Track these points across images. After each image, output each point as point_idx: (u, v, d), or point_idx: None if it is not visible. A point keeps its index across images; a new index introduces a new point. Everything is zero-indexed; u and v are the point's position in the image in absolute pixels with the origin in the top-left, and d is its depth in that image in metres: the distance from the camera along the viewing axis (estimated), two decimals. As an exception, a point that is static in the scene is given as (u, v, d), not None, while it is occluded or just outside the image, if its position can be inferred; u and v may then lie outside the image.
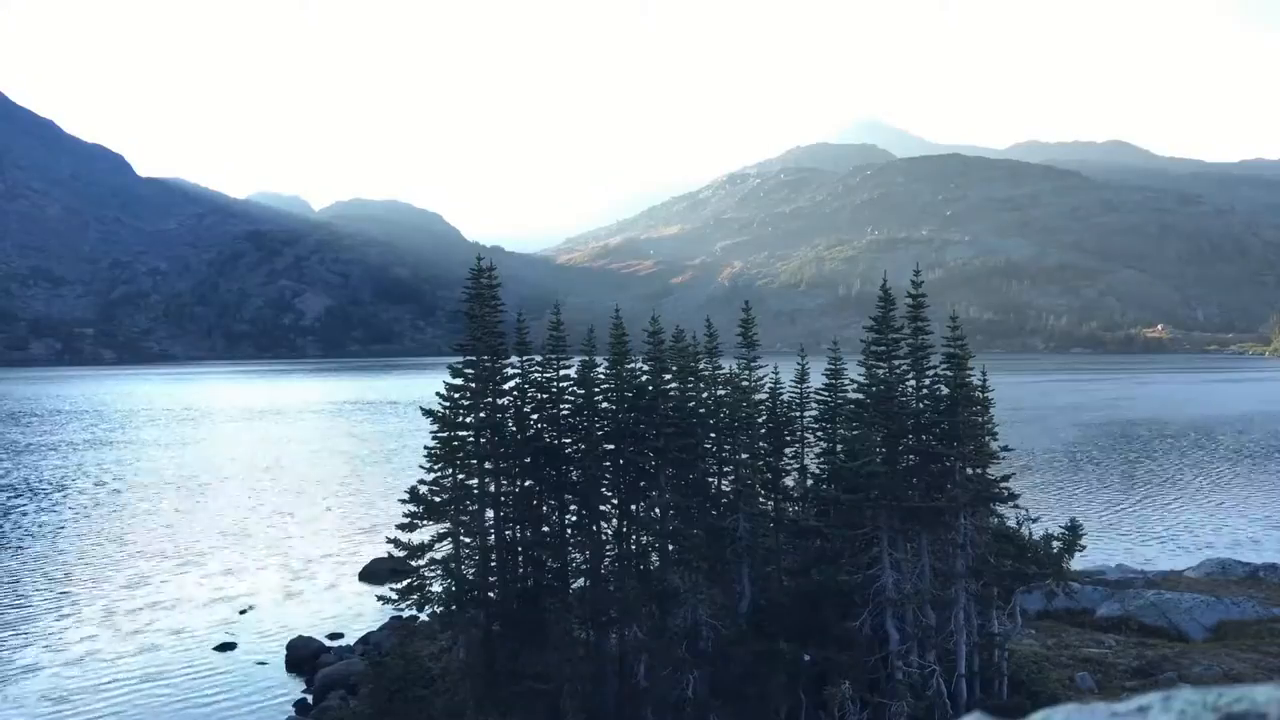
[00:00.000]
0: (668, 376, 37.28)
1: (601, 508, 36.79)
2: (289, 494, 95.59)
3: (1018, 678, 35.72)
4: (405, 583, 35.10)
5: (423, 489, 35.41)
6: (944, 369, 34.57)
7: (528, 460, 36.74)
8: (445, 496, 35.34)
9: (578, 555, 37.28)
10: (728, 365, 39.05)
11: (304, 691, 44.16)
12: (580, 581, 37.28)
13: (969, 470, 34.69)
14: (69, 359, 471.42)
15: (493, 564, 36.61)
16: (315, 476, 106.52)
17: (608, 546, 37.06)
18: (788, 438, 39.11)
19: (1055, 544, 37.58)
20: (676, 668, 34.19)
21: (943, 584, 34.18)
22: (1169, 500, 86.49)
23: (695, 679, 33.82)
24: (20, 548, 72.48)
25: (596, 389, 37.17)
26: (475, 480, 36.13)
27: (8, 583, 62.50)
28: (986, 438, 35.05)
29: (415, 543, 34.92)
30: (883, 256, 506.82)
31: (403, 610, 42.75)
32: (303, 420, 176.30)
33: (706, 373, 38.37)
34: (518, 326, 39.03)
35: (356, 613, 55.43)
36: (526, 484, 37.35)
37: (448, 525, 35.36)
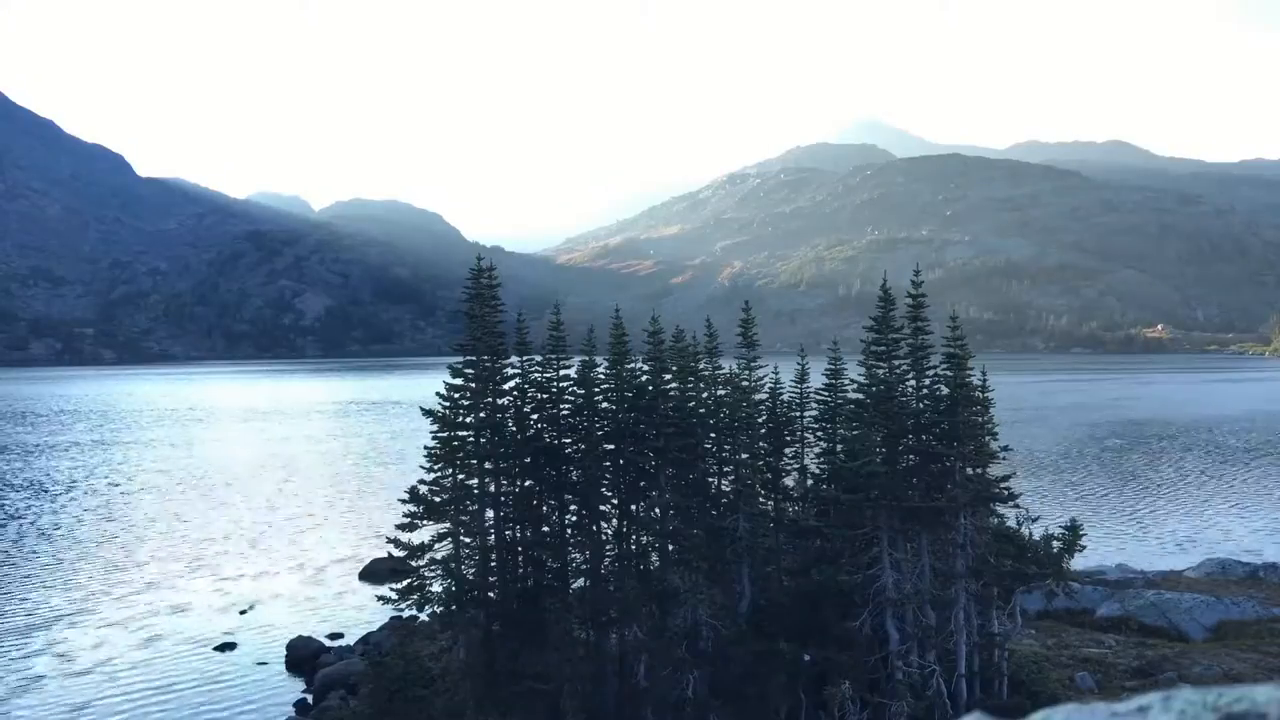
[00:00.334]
0: (668, 376, 37.28)
1: (601, 508, 36.80)
2: (289, 494, 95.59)
3: (1018, 678, 35.72)
4: (405, 583, 35.10)
5: (423, 489, 35.42)
6: (944, 369, 34.58)
7: (528, 460, 36.74)
8: (445, 496, 35.35)
9: (578, 555, 37.28)
10: (728, 365, 39.06)
11: (304, 691, 44.17)
12: (580, 581, 37.28)
13: (969, 470, 34.70)
14: (69, 359, 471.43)
15: (493, 564, 36.61)
16: (315, 476, 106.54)
17: (608, 546, 37.06)
18: (788, 438, 39.11)
19: (1055, 544, 37.58)
20: (676, 668, 34.19)
21: (943, 584, 34.18)
22: (1169, 500, 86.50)
23: (695, 679, 33.83)
24: (20, 548, 72.47)
25: (596, 389, 37.17)
26: (475, 480, 36.13)
27: (8, 582, 62.50)
28: (986, 438, 35.06)
29: (415, 543, 34.92)
30: (883, 256, 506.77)
31: (403, 610, 42.76)
32: (303, 420, 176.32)
33: (706, 373, 38.38)
34: (518, 326, 39.03)
35: (356, 613, 55.43)
36: (526, 484, 37.36)
37: (448, 525, 35.37)
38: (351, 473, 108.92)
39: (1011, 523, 38.78)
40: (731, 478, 37.64)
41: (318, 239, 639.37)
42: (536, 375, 37.59)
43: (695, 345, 38.76)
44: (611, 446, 36.93)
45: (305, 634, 50.48)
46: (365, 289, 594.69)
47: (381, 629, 50.27)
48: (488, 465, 36.25)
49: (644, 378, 37.40)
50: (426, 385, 51.26)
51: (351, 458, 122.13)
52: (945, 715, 31.74)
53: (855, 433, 34.42)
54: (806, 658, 32.79)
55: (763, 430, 38.28)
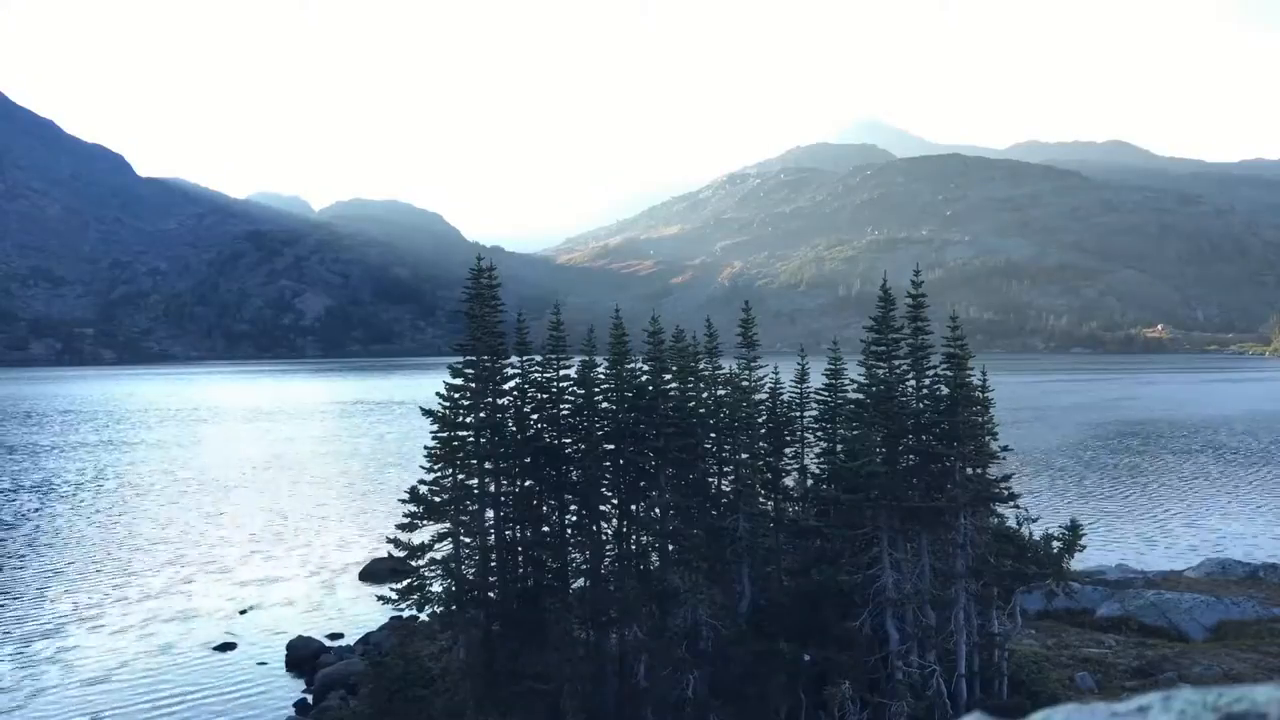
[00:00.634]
0: (668, 376, 37.28)
1: (601, 508, 36.79)
2: (289, 494, 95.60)
3: (1018, 678, 35.72)
4: (405, 583, 35.10)
5: (423, 489, 35.41)
6: (944, 369, 34.58)
7: (528, 460, 36.74)
8: (445, 496, 35.35)
9: (578, 555, 37.27)
10: (728, 365, 39.06)
11: (304, 691, 44.17)
12: (580, 581, 37.28)
13: (969, 470, 34.70)
14: (69, 359, 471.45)
15: (493, 564, 36.61)
16: (315, 476, 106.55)
17: (608, 546, 37.06)
18: (788, 438, 39.11)
19: (1055, 544, 37.58)
20: (676, 668, 34.19)
21: (943, 584, 34.18)
22: (1169, 500, 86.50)
23: (695, 679, 33.82)
24: (20, 548, 72.48)
25: (596, 389, 37.17)
26: (475, 480, 36.13)
27: (8, 582, 62.51)
28: (986, 438, 35.06)
29: (415, 543, 34.92)
30: (883, 256, 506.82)
31: (403, 610, 42.75)
32: (303, 420, 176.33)
33: (706, 373, 38.38)
34: (518, 326, 39.02)
35: (356, 613, 55.42)
36: (526, 484, 37.35)
37: (448, 525, 35.36)
38: (352, 473, 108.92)
39: (1011, 523, 38.78)
40: (731, 478, 37.64)
41: (318, 239, 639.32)
42: (536, 375, 37.58)
43: (695, 345, 38.76)
44: (611, 446, 36.93)
45: (305, 634, 50.48)
46: (365, 289, 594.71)
47: (381, 629, 50.26)
48: (488, 465, 36.25)
49: (644, 378, 37.40)
50: (426, 385, 51.28)
51: (352, 458, 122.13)
52: (945, 715, 31.74)
53: (855, 433, 34.42)
54: (806, 658, 32.79)
55: (763, 430, 38.28)
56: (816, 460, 38.80)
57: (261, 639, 51.21)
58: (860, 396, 35.12)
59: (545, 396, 37.46)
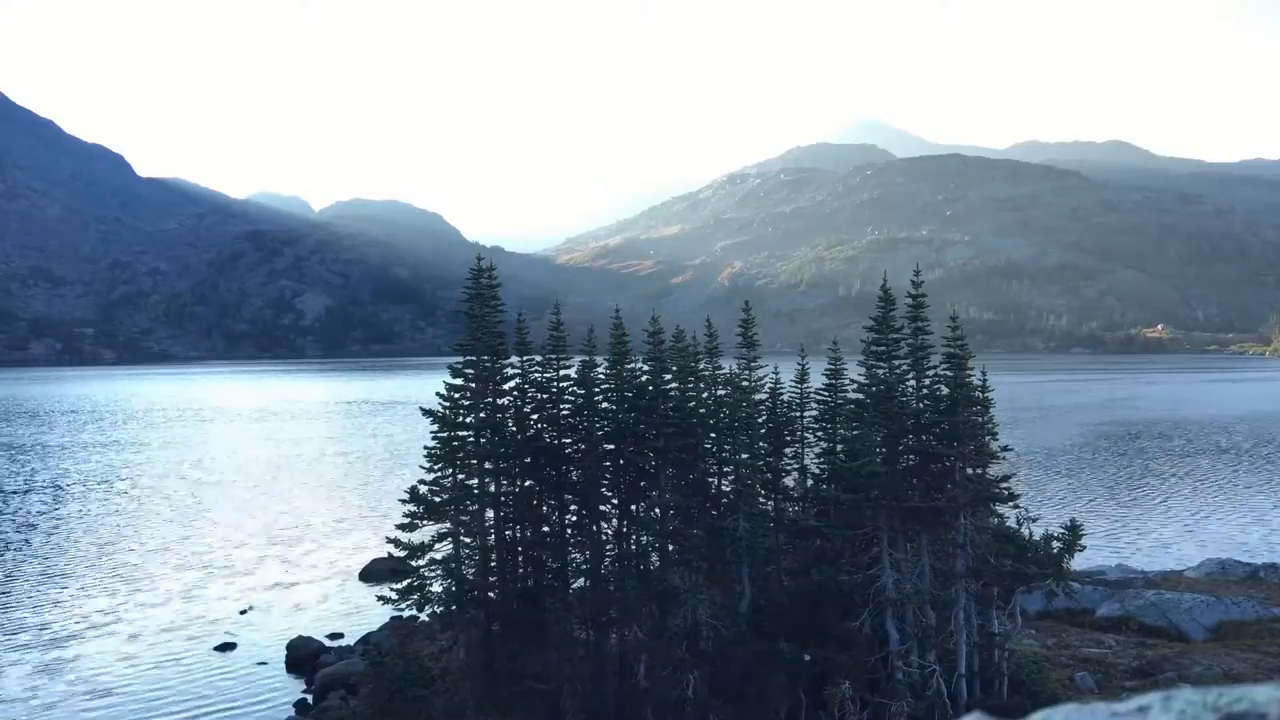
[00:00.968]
0: (668, 376, 37.27)
1: (601, 508, 36.79)
2: (289, 494, 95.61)
3: (1018, 678, 35.72)
4: (405, 583, 35.09)
5: (423, 489, 35.41)
6: (944, 369, 34.58)
7: (528, 460, 36.74)
8: (445, 496, 35.35)
9: (578, 555, 37.27)
10: (728, 365, 39.05)
11: (304, 691, 44.17)
12: (580, 581, 37.28)
13: (969, 470, 34.70)
14: (69, 359, 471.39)
15: (493, 564, 36.61)
16: (316, 476, 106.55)
17: (608, 546, 37.06)
18: (788, 438, 39.11)
19: (1055, 544, 37.58)
20: (676, 668, 34.19)
21: (943, 584, 34.18)
22: (1169, 500, 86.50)
23: (695, 679, 33.82)
24: (21, 548, 72.50)
25: (596, 389, 37.16)
26: (475, 480, 36.13)
27: (8, 582, 62.51)
28: (986, 438, 35.06)
29: (415, 543, 34.91)
30: (883, 256, 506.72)
31: (403, 610, 42.73)
32: (303, 420, 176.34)
33: (706, 373, 38.37)
34: (518, 326, 39.02)
35: (356, 613, 55.43)
36: (526, 484, 37.35)
37: (448, 525, 35.36)
38: (352, 473, 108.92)
39: (1011, 523, 38.78)
40: (731, 478, 37.64)
41: (318, 239, 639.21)
42: (536, 375, 37.58)
43: (695, 345, 38.76)
44: (611, 446, 36.92)
45: (305, 634, 50.48)
46: (365, 289, 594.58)
47: (381, 629, 50.26)
48: (488, 465, 36.25)
49: (644, 378, 37.39)
50: (426, 385, 51.28)
51: (352, 458, 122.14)
52: (945, 715, 31.75)
53: (855, 433, 34.43)
54: (806, 658, 32.79)
55: (763, 430, 38.28)
56: (816, 460, 38.80)
57: (261, 639, 51.21)
58: (860, 396, 35.13)
59: (545, 396, 37.46)
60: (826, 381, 38.53)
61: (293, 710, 42.16)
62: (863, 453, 32.90)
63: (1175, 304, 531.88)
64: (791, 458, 39.47)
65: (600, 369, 37.55)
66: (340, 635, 51.55)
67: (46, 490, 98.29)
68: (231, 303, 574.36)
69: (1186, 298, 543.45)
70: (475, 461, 36.03)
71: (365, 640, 49.01)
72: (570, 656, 34.86)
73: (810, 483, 39.06)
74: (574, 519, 37.35)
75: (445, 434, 35.69)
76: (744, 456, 37.57)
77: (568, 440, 37.32)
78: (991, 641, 35.41)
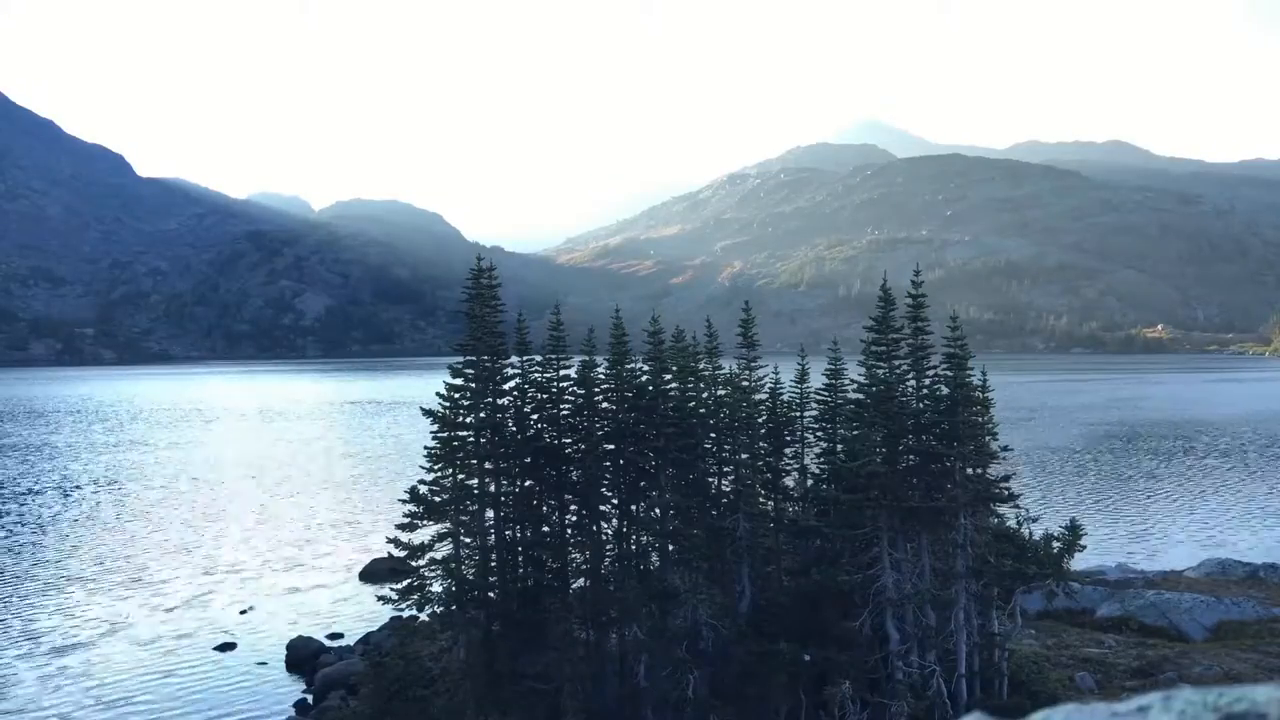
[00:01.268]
0: (668, 376, 37.27)
1: (601, 508, 36.79)
2: (290, 494, 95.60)
3: (1018, 678, 35.71)
4: (405, 583, 35.10)
5: (423, 489, 35.41)
6: (944, 369, 34.55)
7: (528, 460, 36.74)
8: (445, 496, 35.35)
9: (578, 555, 37.26)
10: (728, 365, 39.04)
11: (304, 691, 44.17)
12: (580, 581, 37.26)
13: (969, 470, 34.68)
14: (69, 359, 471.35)
15: (493, 564, 36.61)
16: (316, 476, 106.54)
17: (608, 546, 37.05)
18: (788, 438, 39.10)
19: (1055, 544, 37.57)
20: (676, 668, 34.17)
21: (943, 584, 34.17)
22: (1169, 500, 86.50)
23: (695, 679, 33.81)
24: (21, 548, 72.49)
25: (596, 389, 37.15)
26: (475, 480, 36.13)
27: (8, 582, 62.51)
28: (986, 438, 35.05)
29: (415, 543, 34.92)
30: (883, 256, 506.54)
31: (403, 610, 42.73)
32: (303, 420, 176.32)
33: (706, 373, 38.35)
34: (518, 326, 39.02)
35: (356, 613, 55.42)
36: (526, 484, 37.34)
37: (448, 525, 35.37)
38: (352, 473, 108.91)
39: (1011, 523, 38.78)
40: (731, 478, 37.62)
41: (318, 239, 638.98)
42: (536, 375, 37.57)
43: (695, 345, 38.75)
44: (611, 446, 36.91)
45: (305, 634, 50.46)
46: (365, 289, 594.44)
47: (381, 629, 50.25)
48: (488, 465, 36.24)
49: (644, 378, 37.39)
50: (426, 385, 51.26)
51: (352, 458, 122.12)
52: (945, 715, 31.74)
53: (855, 433, 34.42)
54: (806, 658, 32.77)
55: (763, 430, 38.27)
56: (816, 460, 38.79)
57: (261, 639, 51.20)
58: (860, 396, 35.11)
59: (545, 396, 37.45)
60: (826, 381, 38.52)
61: (293, 710, 42.16)
62: (863, 453, 32.89)
63: (1175, 304, 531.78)
64: (791, 458, 39.46)
65: (600, 369, 37.53)
66: (340, 635, 51.54)
67: (46, 491, 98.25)
68: (231, 303, 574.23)
69: (1186, 298, 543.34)
70: (475, 461, 36.03)
71: (365, 640, 49.00)
72: (570, 656, 34.85)
73: (810, 483, 39.05)
74: (574, 519, 37.34)
75: (445, 434, 35.70)
76: (744, 456, 37.56)
77: (568, 440, 37.31)
78: (991, 641, 35.40)
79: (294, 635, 50.25)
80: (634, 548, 37.65)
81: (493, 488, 36.38)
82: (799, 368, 40.00)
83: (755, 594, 36.86)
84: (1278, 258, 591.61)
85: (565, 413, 37.48)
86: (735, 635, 34.97)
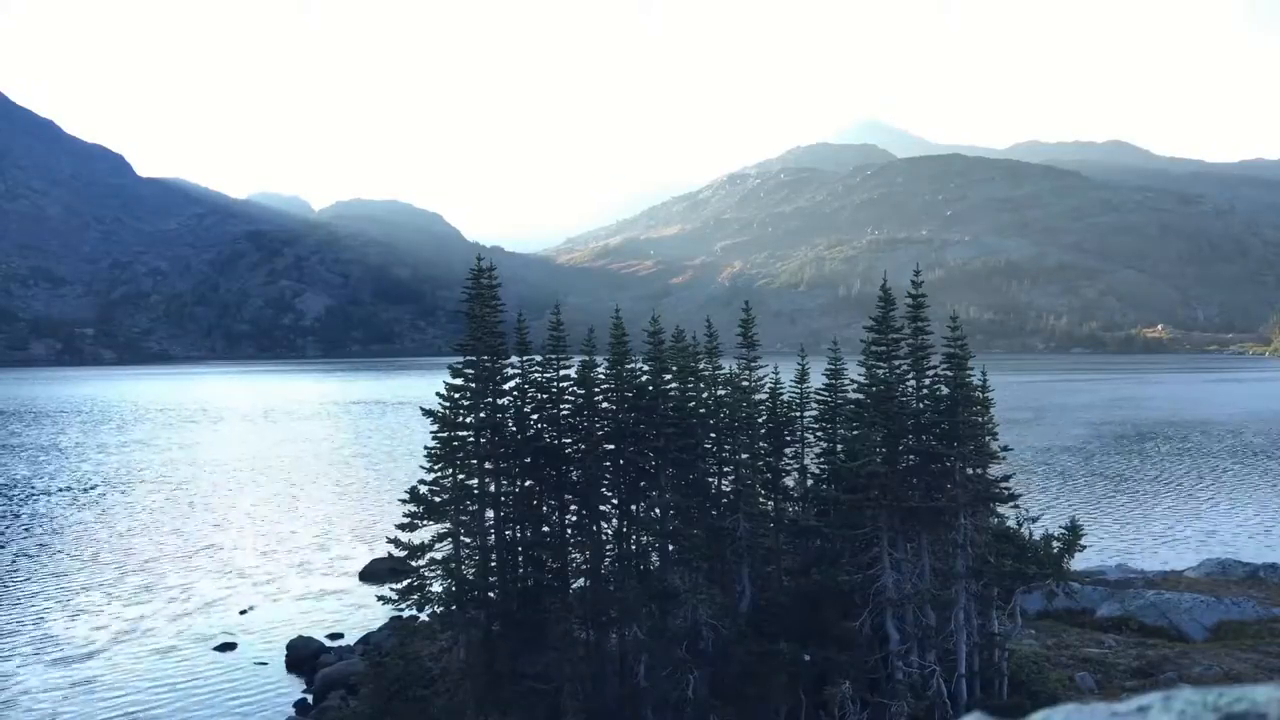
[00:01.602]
0: (668, 376, 37.27)
1: (601, 508, 36.79)
2: (290, 494, 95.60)
3: (1018, 678, 35.71)
4: (405, 583, 35.10)
5: (423, 489, 35.42)
6: (944, 369, 34.55)
7: (528, 460, 36.73)
8: (445, 496, 35.35)
9: (578, 555, 37.26)
10: (728, 365, 39.04)
11: (304, 691, 44.17)
12: (580, 581, 37.27)
13: (969, 470, 34.68)
14: (69, 359, 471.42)
15: (493, 564, 36.61)
16: (316, 476, 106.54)
17: (608, 546, 37.05)
18: (788, 438, 39.09)
19: (1055, 544, 37.57)
20: (676, 668, 34.18)
21: (943, 584, 34.17)
22: (1169, 500, 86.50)
23: (695, 679, 33.81)
24: (21, 548, 72.49)
25: (596, 389, 37.16)
26: (475, 480, 36.13)
27: (8, 582, 62.51)
28: (986, 438, 35.04)
29: (415, 543, 34.92)
30: (883, 256, 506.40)
31: (403, 610, 42.74)
32: (303, 420, 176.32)
33: (706, 373, 38.36)
34: (518, 326, 39.02)
35: (356, 613, 55.43)
36: (526, 484, 37.34)
37: (448, 525, 35.37)
38: (352, 473, 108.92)
39: (1011, 523, 38.77)
40: (731, 478, 37.62)
41: (318, 239, 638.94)
42: (536, 375, 37.57)
43: (695, 345, 38.76)
44: (611, 446, 36.91)
45: (305, 634, 50.47)
46: (365, 289, 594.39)
47: (381, 629, 50.26)
48: (488, 465, 36.24)
49: (644, 378, 37.39)
50: (426, 385, 51.27)
51: (352, 458, 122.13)
52: (945, 715, 31.74)
53: (855, 433, 34.42)
54: (806, 658, 32.77)
55: (763, 430, 38.26)
56: (816, 460, 38.79)
57: (261, 639, 51.21)
58: (860, 396, 35.10)
59: (545, 396, 37.46)
60: (826, 381, 38.52)
61: (293, 710, 42.16)
62: (863, 453, 32.89)
63: (1175, 304, 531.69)
64: (791, 458, 39.46)
65: (600, 369, 37.53)
66: (340, 635, 51.55)
67: (46, 490, 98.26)
68: (231, 303, 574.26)
69: (1186, 298, 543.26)
70: (475, 461, 36.03)
71: (365, 640, 49.01)
72: (570, 656, 34.85)
73: (810, 483, 39.05)
74: (574, 519, 37.34)
75: (445, 434, 35.70)
76: (744, 456, 37.56)
77: (568, 440, 37.31)
78: (991, 641, 35.40)
79: (294, 635, 50.26)
80: (634, 548, 37.66)
81: (493, 488, 36.38)
82: (799, 368, 40.00)
83: (755, 594, 36.86)
84: (1278, 258, 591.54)
85: (565, 413, 37.48)
86: (735, 635, 34.96)
